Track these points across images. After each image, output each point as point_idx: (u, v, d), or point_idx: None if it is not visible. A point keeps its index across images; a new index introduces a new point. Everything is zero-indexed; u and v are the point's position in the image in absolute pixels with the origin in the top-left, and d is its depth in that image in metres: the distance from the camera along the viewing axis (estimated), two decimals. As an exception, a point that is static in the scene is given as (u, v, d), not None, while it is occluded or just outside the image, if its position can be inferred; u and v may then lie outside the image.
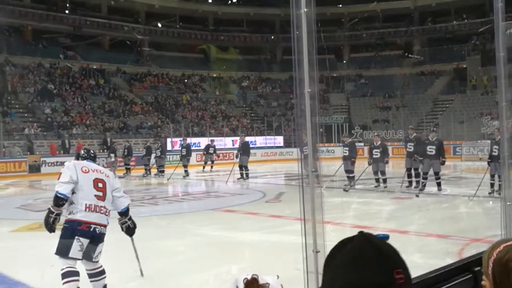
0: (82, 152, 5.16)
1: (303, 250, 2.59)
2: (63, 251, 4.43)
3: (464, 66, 40.06)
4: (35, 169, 21.88)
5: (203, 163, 23.32)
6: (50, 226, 4.55)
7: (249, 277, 1.02)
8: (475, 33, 38.42)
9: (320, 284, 2.50)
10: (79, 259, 4.50)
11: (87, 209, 4.55)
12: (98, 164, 5.30)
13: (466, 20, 40.19)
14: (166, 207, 12.62)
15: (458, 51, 40.35)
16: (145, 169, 21.47)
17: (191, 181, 19.21)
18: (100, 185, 4.75)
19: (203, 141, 30.65)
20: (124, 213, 5.09)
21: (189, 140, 24.51)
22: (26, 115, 29.18)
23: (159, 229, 9.29)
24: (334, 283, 1.00)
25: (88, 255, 4.58)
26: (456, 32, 41.10)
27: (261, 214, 10.47)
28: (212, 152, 23.19)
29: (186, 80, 40.65)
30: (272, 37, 43.88)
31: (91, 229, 4.52)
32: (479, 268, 1.56)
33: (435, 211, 10.69)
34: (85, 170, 4.72)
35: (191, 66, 41.74)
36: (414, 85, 40.46)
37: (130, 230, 5.23)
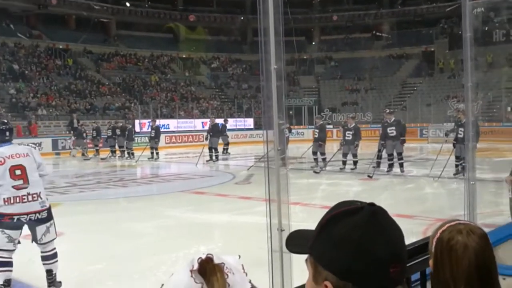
0: None
1: (267, 229, 2.59)
2: None
3: (432, 49, 40.62)
4: None
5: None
6: None
7: (203, 257, 1.00)
8: (444, 16, 38.89)
9: (283, 263, 2.50)
10: (12, 250, 4.37)
11: (6, 202, 4.34)
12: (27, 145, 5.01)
13: (434, 4, 40.62)
14: (135, 189, 12.50)
15: (426, 34, 40.84)
16: (111, 151, 21.22)
17: (160, 163, 19.06)
18: (18, 172, 4.46)
19: (172, 123, 30.45)
20: None
21: (158, 122, 24.23)
22: (-11, 95, 28.36)
23: (127, 212, 9.21)
24: (329, 250, 0.96)
25: (34, 238, 4.52)
26: (425, 15, 41.55)
27: (231, 195, 10.48)
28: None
29: (154, 61, 40.06)
30: (242, 18, 43.51)
31: (15, 220, 4.33)
32: None
33: (401, 192, 10.90)
34: (0, 161, 4.44)
35: (160, 47, 41.11)
36: (383, 68, 40.87)
37: None
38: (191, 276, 0.98)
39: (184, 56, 42.47)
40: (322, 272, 0.97)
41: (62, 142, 24.66)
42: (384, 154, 13.28)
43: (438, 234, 1.39)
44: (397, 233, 0.99)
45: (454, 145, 12.09)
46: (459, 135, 11.67)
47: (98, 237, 6.76)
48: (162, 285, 1.01)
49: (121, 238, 6.84)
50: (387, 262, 0.94)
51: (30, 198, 4.44)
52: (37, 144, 23.59)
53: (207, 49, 42.44)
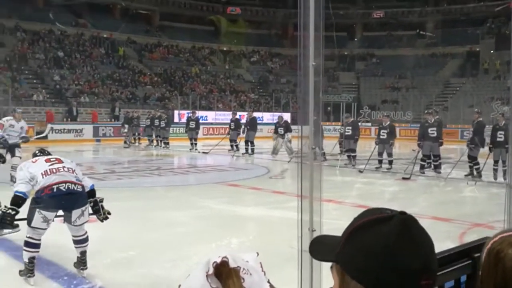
0: (37, 152, 5.21)
1: (298, 228, 2.57)
2: (28, 219, 4.49)
3: (477, 49, 39.51)
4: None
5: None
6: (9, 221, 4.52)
7: (219, 260, 0.99)
8: (491, 15, 37.75)
9: (312, 263, 2.48)
10: (44, 229, 4.52)
11: (44, 175, 4.54)
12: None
13: (482, 3, 39.46)
14: (171, 178, 12.68)
15: (472, 33, 39.74)
16: (149, 140, 21.65)
17: (196, 154, 19.25)
18: (52, 158, 4.81)
19: (210, 115, 30.64)
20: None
21: (197, 113, 24.44)
22: (35, 81, 29.18)
23: (162, 200, 9.36)
24: (359, 261, 0.93)
25: (68, 220, 4.63)
26: (471, 14, 40.42)
27: (265, 189, 10.49)
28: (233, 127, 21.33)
29: (195, 53, 40.39)
30: (284, 12, 43.34)
31: (54, 190, 4.48)
32: (478, 254, 1.53)
33: (439, 194, 10.67)
34: (35, 160, 4.79)
35: (201, 39, 41.43)
36: (426, 66, 40.02)
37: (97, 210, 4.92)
38: (207, 280, 0.98)
39: (224, 48, 42.66)
40: (350, 281, 0.94)
41: (103, 129, 25.22)
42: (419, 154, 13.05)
43: (490, 244, 1.33)
44: (429, 244, 0.96)
45: (490, 149, 11.75)
46: (498, 139, 11.34)
47: (132, 224, 6.88)
48: (180, 286, 1.01)
49: (155, 226, 6.95)
50: (419, 274, 0.91)
51: (65, 170, 4.66)
52: (79, 131, 24.25)
53: (248, 43, 42.50)
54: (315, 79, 3.11)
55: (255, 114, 21.23)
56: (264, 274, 1.07)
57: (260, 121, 25.71)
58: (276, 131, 17.51)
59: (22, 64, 29.70)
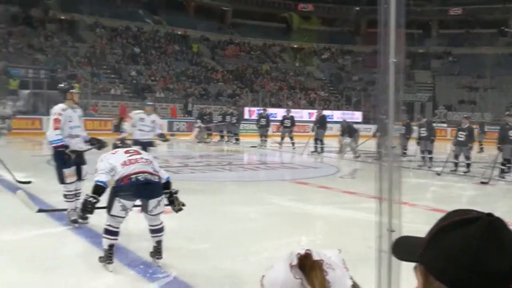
0: (118, 143, 5.50)
1: (376, 228, 2.52)
2: (108, 207, 4.71)
3: None
4: (120, 128, 22.86)
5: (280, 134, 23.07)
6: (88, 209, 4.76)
7: (302, 252, 0.99)
8: None
9: (391, 263, 2.43)
10: (123, 217, 4.70)
11: (123, 165, 4.74)
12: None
13: None
14: (241, 174, 12.83)
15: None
16: (220, 136, 22.00)
17: (266, 150, 19.35)
18: (131, 150, 5.07)
19: (280, 112, 30.68)
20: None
21: (268, 110, 24.58)
22: (112, 76, 30.44)
23: (233, 195, 9.49)
24: (443, 261, 0.92)
25: (145, 209, 4.80)
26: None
27: (334, 188, 10.38)
28: (289, 125, 20.62)
29: (266, 51, 40.61)
30: (357, 8, 42.64)
31: (133, 179, 4.66)
32: None
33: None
34: (114, 151, 5.04)
35: (272, 36, 41.58)
36: (507, 66, 38.00)
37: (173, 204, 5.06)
38: (291, 271, 0.98)
39: (295, 46, 42.59)
40: (433, 282, 0.93)
41: (177, 124, 25.96)
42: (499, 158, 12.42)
43: None
44: None
45: None
46: None
47: (204, 217, 7.03)
48: (263, 276, 1.02)
49: (226, 220, 7.06)
50: (507, 277, 0.88)
51: (143, 161, 4.85)
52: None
53: (319, 40, 42.21)
54: (395, 76, 3.06)
55: (325, 112, 21.03)
56: (347, 270, 1.06)
57: (330, 119, 25.48)
58: (342, 134, 17.33)
59: (101, 60, 31.07)
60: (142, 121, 9.69)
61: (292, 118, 19.99)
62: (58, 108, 6.36)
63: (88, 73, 28.62)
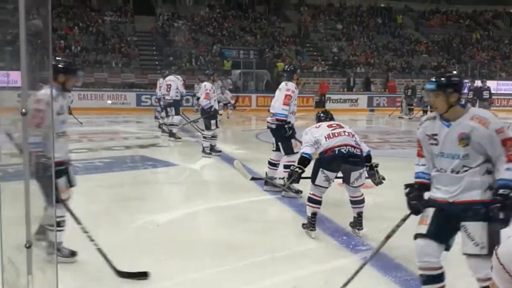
0: (321, 114, 5.66)
1: None
2: (312, 178, 5.04)
3: None
4: (321, 104, 23.56)
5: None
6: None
7: None
8: None
9: None
10: (325, 187, 5.01)
11: (326, 138, 4.99)
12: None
13: None
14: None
15: None
16: (409, 109, 21.34)
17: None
18: (334, 124, 5.23)
19: (492, 84, 28.14)
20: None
21: (477, 83, 22.77)
22: (315, 53, 31.24)
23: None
24: None
25: (347, 181, 5.04)
26: None
27: None
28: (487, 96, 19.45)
29: (477, 18, 37.34)
30: None
31: (336, 152, 4.89)
32: None
33: None
34: (318, 125, 5.26)
35: (483, 2, 37.98)
36: None
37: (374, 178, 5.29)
38: None
39: (511, 10, 38.31)
40: None
41: (377, 99, 25.78)
42: None
43: None
44: None
45: None
46: None
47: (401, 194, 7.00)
48: (497, 247, 1.05)
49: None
50: None
51: (346, 134, 5.07)
52: (354, 101, 25.29)
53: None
54: None
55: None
56: None
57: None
58: None
59: (304, 38, 32.08)
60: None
61: (489, 89, 18.74)
62: (292, 85, 7.00)
63: (293, 51, 29.81)
